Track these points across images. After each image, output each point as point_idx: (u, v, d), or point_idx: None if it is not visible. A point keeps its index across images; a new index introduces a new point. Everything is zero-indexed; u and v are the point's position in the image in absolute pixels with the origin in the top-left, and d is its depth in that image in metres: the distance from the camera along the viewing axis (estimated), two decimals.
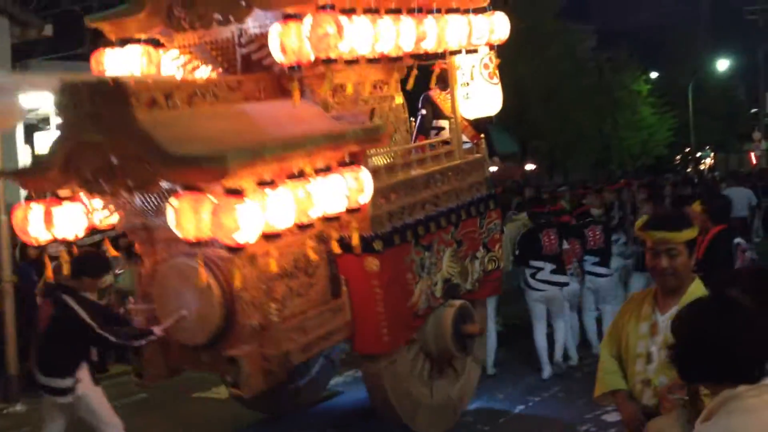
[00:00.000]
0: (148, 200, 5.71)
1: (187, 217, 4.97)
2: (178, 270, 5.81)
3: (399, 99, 7.25)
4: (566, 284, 9.21)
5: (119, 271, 10.16)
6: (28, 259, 10.02)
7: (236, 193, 4.88)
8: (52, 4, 27.46)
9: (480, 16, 7.50)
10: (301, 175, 5.46)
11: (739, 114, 41.99)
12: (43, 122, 21.71)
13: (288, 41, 5.81)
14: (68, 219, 5.76)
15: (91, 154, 5.16)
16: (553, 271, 9.05)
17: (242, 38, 6.53)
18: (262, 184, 5.11)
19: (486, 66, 7.88)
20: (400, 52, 6.54)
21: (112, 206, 5.92)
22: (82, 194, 5.77)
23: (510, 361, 9.56)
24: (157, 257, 6.15)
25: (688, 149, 40.02)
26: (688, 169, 40.58)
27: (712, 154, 44.63)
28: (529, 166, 31.89)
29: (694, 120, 37.58)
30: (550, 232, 9.07)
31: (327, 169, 5.71)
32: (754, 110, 42.23)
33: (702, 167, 42.27)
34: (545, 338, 9.17)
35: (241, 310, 5.68)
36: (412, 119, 7.97)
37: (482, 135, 8.19)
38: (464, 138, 7.97)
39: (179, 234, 5.07)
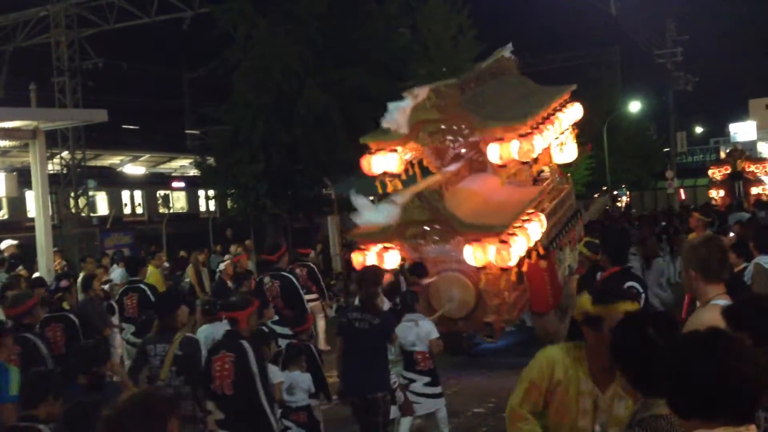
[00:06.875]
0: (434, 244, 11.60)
1: (478, 254, 10.93)
2: (448, 278, 11.52)
3: None
4: None
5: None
6: None
7: (506, 242, 10.86)
8: None
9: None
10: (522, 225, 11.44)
11: (652, 153, 47.69)
12: None
13: (504, 153, 11.71)
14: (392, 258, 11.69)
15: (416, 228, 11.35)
16: None
17: (456, 144, 12.69)
18: (510, 234, 11.07)
19: (572, 131, 14.14)
20: None
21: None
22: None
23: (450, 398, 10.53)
24: (431, 273, 11.58)
25: (605, 188, 44.92)
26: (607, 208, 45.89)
27: (627, 193, 50.22)
28: None
29: (610, 159, 42.34)
30: None
31: (529, 219, 11.62)
32: (666, 149, 48.02)
33: (619, 204, 47.32)
34: None
35: (488, 297, 11.39)
36: None
37: (569, 174, 14.24)
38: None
39: (474, 263, 11.07)
